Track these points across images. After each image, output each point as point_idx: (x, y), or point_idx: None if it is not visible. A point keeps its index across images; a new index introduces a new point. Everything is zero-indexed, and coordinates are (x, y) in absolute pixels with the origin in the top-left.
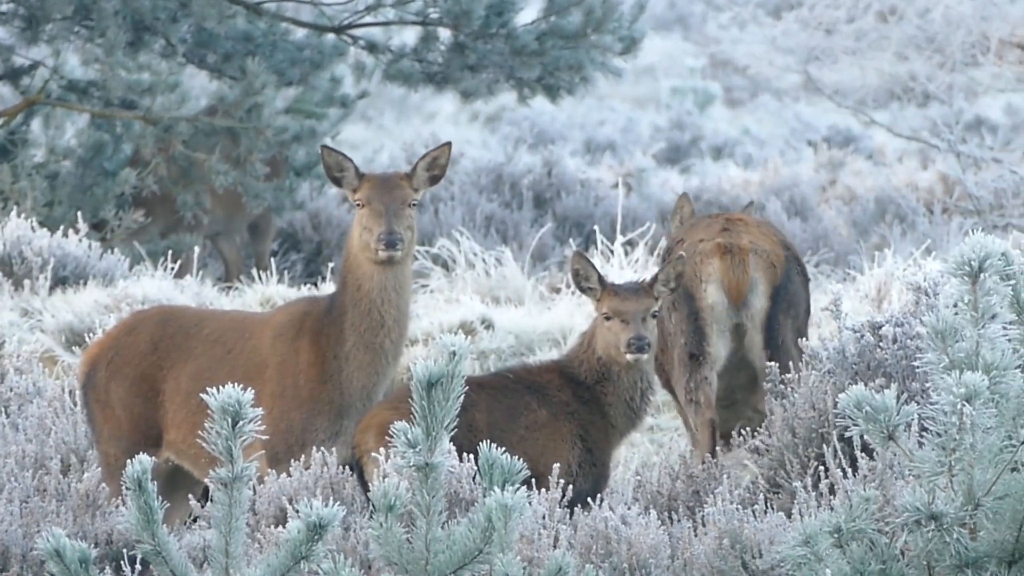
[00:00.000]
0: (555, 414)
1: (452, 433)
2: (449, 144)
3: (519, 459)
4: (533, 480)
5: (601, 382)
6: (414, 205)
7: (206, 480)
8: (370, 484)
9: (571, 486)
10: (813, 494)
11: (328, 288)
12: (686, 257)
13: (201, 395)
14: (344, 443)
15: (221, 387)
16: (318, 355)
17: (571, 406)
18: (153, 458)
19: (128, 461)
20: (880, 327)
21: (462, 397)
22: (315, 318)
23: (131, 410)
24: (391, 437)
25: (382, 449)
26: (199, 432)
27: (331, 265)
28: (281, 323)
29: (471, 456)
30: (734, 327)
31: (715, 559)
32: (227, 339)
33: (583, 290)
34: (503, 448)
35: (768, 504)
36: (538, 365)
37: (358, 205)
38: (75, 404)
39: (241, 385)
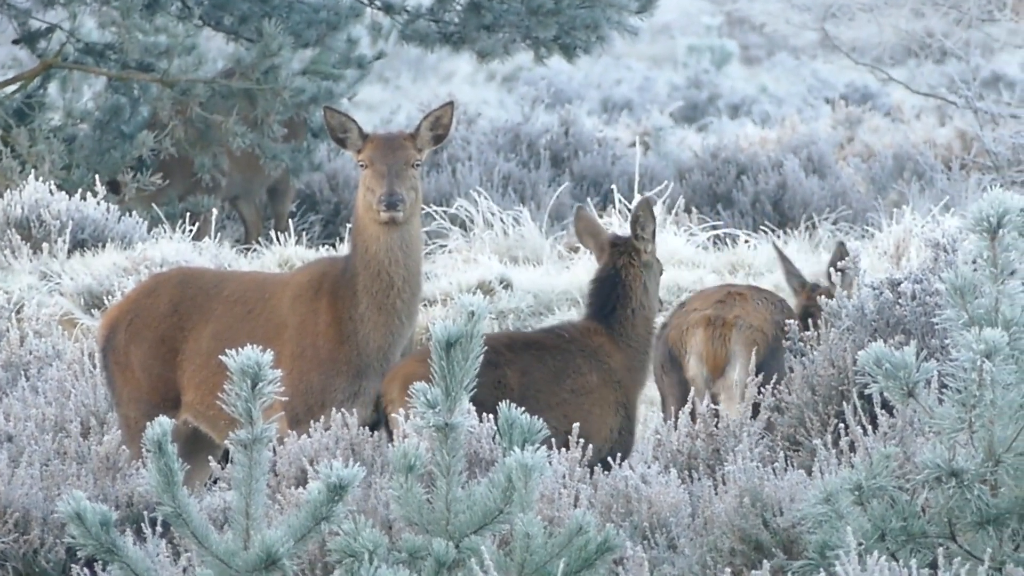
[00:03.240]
0: (605, 381)
1: (473, 392)
2: (451, 103)
3: (560, 420)
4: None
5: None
6: (418, 165)
7: (225, 443)
8: (394, 436)
9: (604, 450)
10: (833, 452)
11: (346, 249)
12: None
13: (220, 356)
14: (363, 404)
15: (240, 348)
16: (335, 316)
17: (619, 375)
18: (172, 420)
19: (148, 423)
20: (899, 284)
21: (495, 354)
22: (332, 279)
23: (150, 372)
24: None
25: (405, 403)
26: (218, 393)
27: (348, 226)
28: (300, 284)
29: (492, 416)
30: (713, 396)
31: (736, 517)
32: (247, 299)
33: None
34: (537, 409)
35: (788, 462)
36: (591, 327)
37: (362, 166)
38: (95, 367)
39: (261, 346)
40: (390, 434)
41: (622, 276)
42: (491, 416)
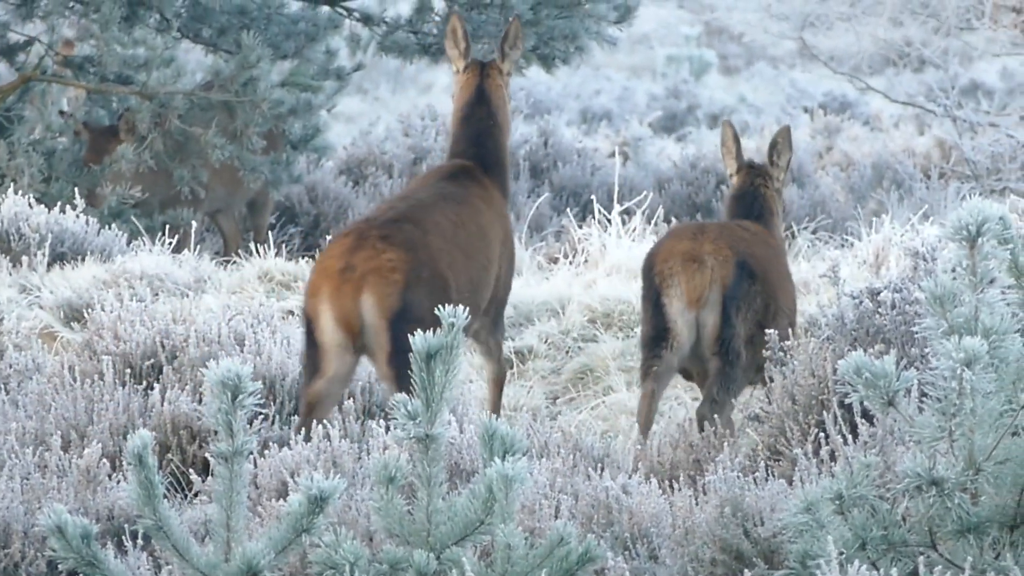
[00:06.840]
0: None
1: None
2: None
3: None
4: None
5: None
6: None
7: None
8: (667, 309)
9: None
10: (814, 461)
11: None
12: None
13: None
14: None
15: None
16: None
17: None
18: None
19: (129, 437)
20: (879, 293)
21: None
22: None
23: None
24: (693, 262)
25: (685, 276)
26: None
27: (328, 238)
28: (492, 194)
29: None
30: None
31: (717, 527)
32: (459, 222)
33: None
34: (779, 301)
35: (769, 471)
36: (757, 227)
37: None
38: (75, 380)
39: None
40: (660, 310)
41: (759, 192)
42: (471, 427)
